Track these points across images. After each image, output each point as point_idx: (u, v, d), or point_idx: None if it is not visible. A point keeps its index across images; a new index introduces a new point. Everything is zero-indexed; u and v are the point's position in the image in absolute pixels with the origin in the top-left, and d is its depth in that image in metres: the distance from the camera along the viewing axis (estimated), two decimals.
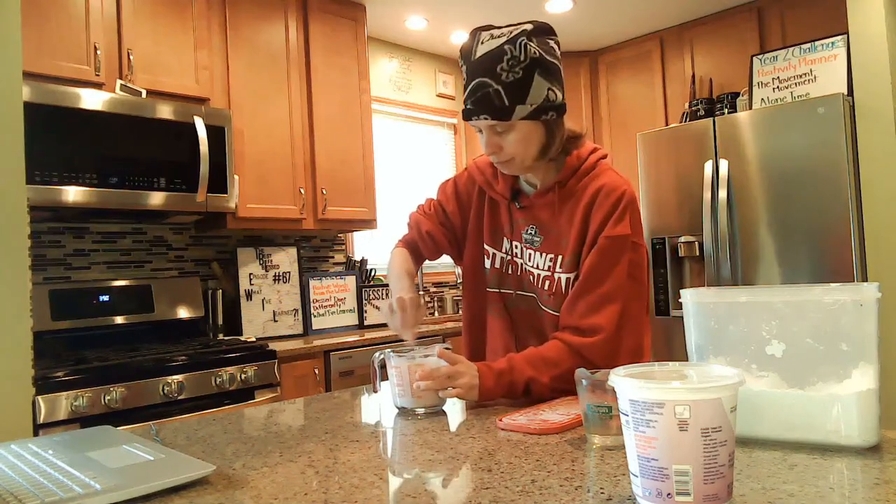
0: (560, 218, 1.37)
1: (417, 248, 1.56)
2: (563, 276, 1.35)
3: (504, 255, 1.46)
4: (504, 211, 1.46)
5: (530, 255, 1.41)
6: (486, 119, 1.25)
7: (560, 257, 1.36)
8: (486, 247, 1.49)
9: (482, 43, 1.24)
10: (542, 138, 1.29)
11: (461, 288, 1.59)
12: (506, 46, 1.21)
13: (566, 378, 1.17)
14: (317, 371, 2.89)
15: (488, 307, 1.49)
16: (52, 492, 0.79)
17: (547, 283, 1.38)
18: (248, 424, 1.24)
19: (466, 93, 1.26)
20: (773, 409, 0.90)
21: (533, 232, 1.41)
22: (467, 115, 1.27)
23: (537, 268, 1.40)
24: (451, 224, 1.53)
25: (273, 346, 2.79)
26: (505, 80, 1.21)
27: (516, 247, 1.44)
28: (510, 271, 1.45)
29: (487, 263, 1.48)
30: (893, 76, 2.93)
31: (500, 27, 1.27)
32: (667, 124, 4.04)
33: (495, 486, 0.80)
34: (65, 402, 2.11)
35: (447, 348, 1.29)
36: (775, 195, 3.14)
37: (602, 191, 1.33)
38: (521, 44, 1.21)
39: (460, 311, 4.28)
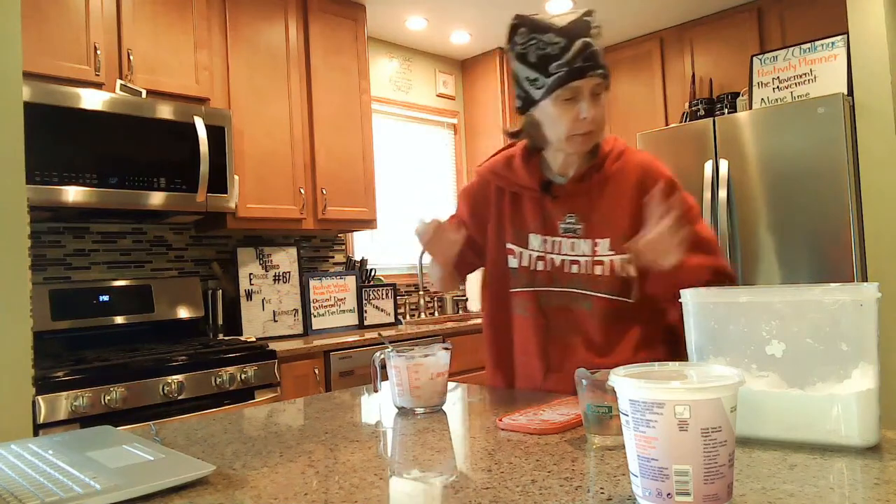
0: (600, 201, 1.38)
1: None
2: (617, 258, 1.35)
3: (532, 253, 1.43)
4: (530, 206, 1.44)
5: (573, 244, 1.39)
6: (601, 73, 1.28)
7: (607, 240, 1.36)
8: (510, 246, 1.46)
9: (552, 18, 1.29)
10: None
11: (481, 290, 1.58)
12: (586, 18, 1.28)
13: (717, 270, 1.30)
14: (317, 371, 2.89)
15: (515, 307, 1.46)
16: (52, 492, 0.79)
17: (598, 268, 1.37)
18: (248, 424, 1.24)
19: (570, 54, 1.25)
20: (773, 409, 0.90)
21: (573, 220, 1.40)
22: (580, 73, 1.26)
23: (583, 255, 1.38)
24: (471, 235, 1.51)
25: (273, 346, 2.79)
26: (598, 45, 1.27)
27: (548, 241, 1.42)
28: (541, 268, 1.42)
29: (514, 263, 1.45)
30: (893, 76, 2.93)
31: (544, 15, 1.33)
32: (667, 124, 4.04)
33: (495, 486, 0.80)
34: (65, 402, 2.11)
35: (447, 348, 1.29)
36: (775, 195, 3.14)
37: (645, 166, 1.39)
38: (592, 19, 1.29)
39: (461, 312, 4.31)
